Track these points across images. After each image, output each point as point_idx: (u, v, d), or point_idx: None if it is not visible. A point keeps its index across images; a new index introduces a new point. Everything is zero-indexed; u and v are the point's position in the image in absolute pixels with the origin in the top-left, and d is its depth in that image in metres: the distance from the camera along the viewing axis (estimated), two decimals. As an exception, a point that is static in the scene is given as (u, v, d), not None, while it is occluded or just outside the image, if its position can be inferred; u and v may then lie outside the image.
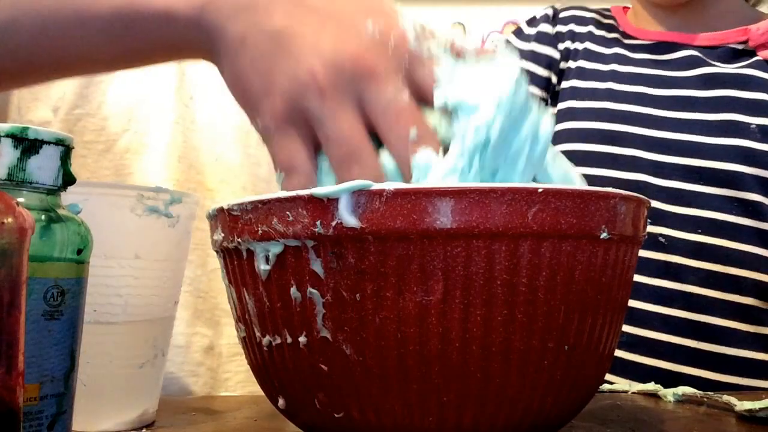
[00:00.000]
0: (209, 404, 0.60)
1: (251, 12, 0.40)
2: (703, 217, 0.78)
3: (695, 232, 0.77)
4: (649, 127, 0.82)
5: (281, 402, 0.44)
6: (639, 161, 0.80)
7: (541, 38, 0.94)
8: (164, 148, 0.75)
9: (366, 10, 0.39)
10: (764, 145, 0.78)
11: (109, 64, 0.50)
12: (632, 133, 0.82)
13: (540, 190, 0.37)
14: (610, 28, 0.93)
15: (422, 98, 0.39)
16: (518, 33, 0.96)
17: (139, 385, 0.52)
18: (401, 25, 0.39)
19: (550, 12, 0.97)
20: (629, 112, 0.83)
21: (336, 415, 0.41)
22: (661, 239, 0.78)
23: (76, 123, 0.73)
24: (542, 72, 0.92)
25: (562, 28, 0.94)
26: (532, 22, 0.97)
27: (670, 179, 0.79)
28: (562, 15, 0.96)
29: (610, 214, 0.40)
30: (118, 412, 0.50)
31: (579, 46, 0.91)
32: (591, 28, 0.93)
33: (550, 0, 2.29)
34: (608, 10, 0.99)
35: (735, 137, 0.79)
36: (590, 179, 0.80)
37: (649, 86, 0.84)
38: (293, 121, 0.39)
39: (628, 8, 0.98)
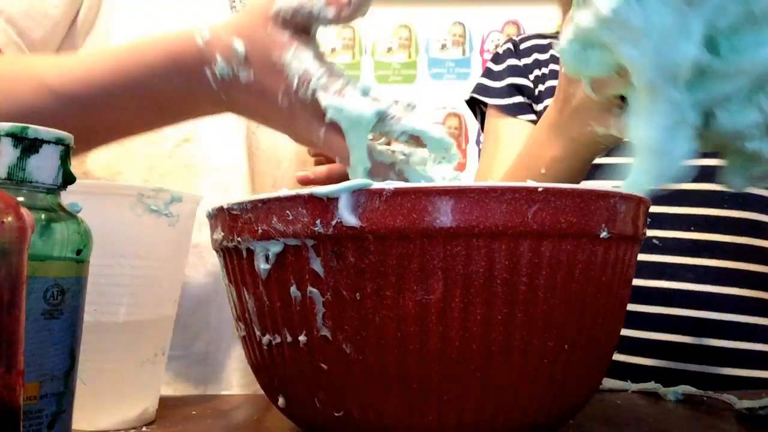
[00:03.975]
0: (209, 404, 0.60)
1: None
2: (695, 215, 0.78)
3: (688, 230, 0.78)
4: None
5: (281, 401, 0.44)
6: (626, 167, 0.81)
7: (513, 71, 0.97)
8: (229, 170, 0.75)
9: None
10: None
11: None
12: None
13: (540, 189, 0.37)
14: None
15: None
16: (489, 74, 0.99)
17: (139, 384, 0.52)
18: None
19: (510, 46, 1.00)
20: None
21: (336, 414, 0.41)
22: (655, 241, 0.78)
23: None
24: (525, 100, 0.95)
25: (527, 60, 0.97)
26: (497, 59, 1.00)
27: None
28: (522, 47, 0.99)
29: (610, 213, 0.40)
30: (118, 411, 0.50)
31: (545, 70, 0.95)
32: (552, 52, 0.96)
33: (549, 0, 2.29)
34: None
35: None
36: None
37: None
38: None
39: None
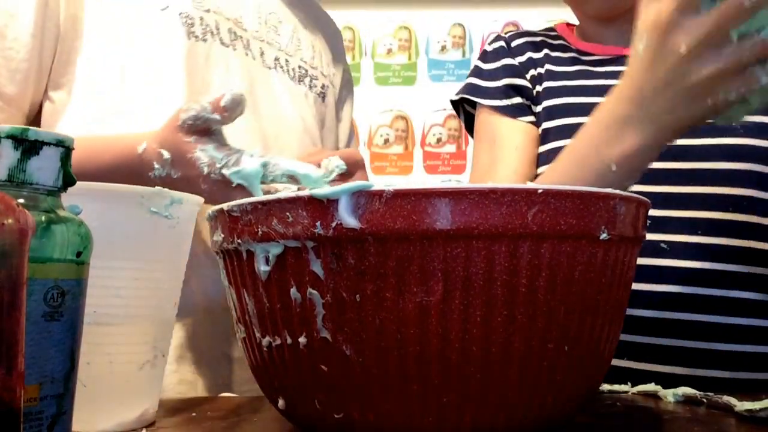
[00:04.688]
0: (209, 404, 0.60)
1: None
2: (701, 218, 0.78)
3: (695, 233, 0.78)
4: None
5: (281, 402, 0.44)
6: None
7: (509, 71, 0.93)
8: None
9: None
10: (750, 140, 0.78)
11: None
12: None
13: (540, 191, 0.37)
14: (563, 49, 0.93)
15: None
16: (479, 73, 0.95)
17: (139, 385, 0.52)
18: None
19: (503, 44, 0.96)
20: None
21: (336, 416, 0.41)
22: (663, 245, 0.78)
23: None
24: (525, 101, 0.92)
25: (521, 59, 0.94)
26: (486, 57, 0.96)
27: (663, 184, 0.79)
28: (514, 45, 0.95)
29: (610, 215, 0.40)
30: (118, 412, 0.50)
31: (541, 70, 0.92)
32: (546, 51, 0.93)
33: (549, 2, 2.28)
34: (553, 30, 0.98)
35: (720, 137, 0.79)
36: None
37: None
38: None
39: (572, 25, 0.98)
